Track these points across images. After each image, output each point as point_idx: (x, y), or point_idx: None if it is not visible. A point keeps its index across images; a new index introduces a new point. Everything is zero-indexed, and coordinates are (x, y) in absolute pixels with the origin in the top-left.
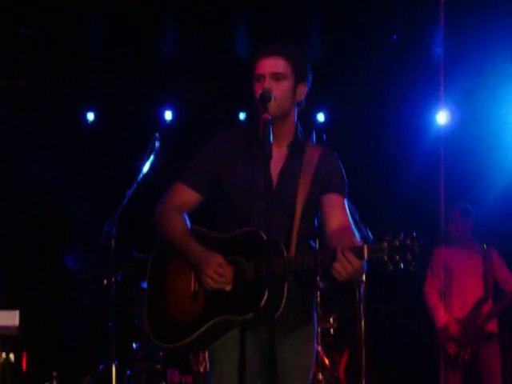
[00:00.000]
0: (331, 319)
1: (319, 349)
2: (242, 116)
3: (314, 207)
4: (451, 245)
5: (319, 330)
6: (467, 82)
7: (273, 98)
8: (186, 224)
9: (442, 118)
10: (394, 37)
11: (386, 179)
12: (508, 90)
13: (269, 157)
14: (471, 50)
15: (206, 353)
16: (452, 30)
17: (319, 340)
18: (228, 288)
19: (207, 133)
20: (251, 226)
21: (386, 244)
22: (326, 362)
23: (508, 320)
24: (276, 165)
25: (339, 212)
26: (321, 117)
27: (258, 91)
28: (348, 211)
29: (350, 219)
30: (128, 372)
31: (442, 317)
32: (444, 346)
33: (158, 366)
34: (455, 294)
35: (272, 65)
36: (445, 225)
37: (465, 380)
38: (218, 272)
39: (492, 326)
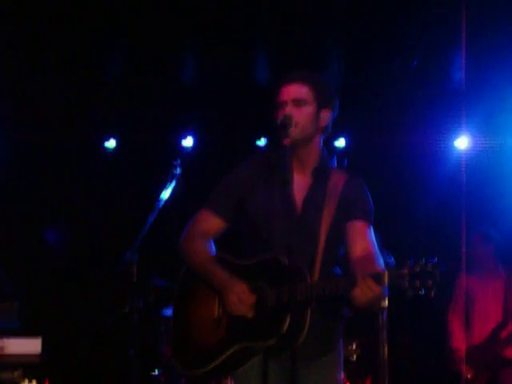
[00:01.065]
0: (353, 345)
1: (342, 376)
2: (261, 142)
3: (338, 234)
4: (473, 271)
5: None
6: (488, 107)
7: (294, 124)
8: (211, 250)
9: (462, 143)
10: (415, 62)
11: (407, 204)
12: None
13: (288, 182)
14: (492, 75)
15: (228, 380)
16: (473, 54)
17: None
18: (250, 314)
19: (227, 159)
20: (274, 252)
21: (406, 270)
22: None
23: None
24: (300, 191)
25: (363, 239)
26: (341, 142)
27: (280, 117)
28: (372, 238)
29: (375, 246)
30: None
31: (457, 340)
32: (461, 371)
33: None
34: (476, 321)
35: (294, 91)
36: (466, 251)
37: None
38: (241, 299)
39: (508, 353)
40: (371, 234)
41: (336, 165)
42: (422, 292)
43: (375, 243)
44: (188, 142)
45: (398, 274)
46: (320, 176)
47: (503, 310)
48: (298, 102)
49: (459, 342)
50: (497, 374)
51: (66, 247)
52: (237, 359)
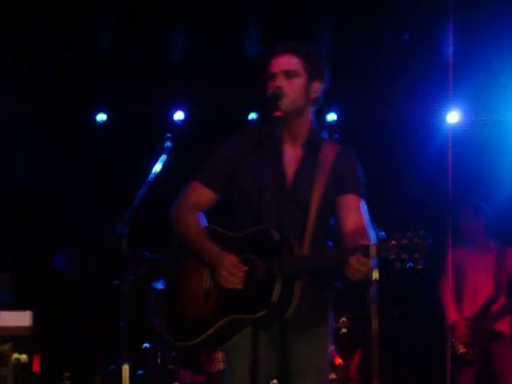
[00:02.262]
0: (343, 319)
1: (331, 349)
2: (252, 116)
3: (330, 207)
4: (464, 243)
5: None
6: (477, 81)
7: (284, 95)
8: (201, 223)
9: (452, 117)
10: (405, 35)
11: (396, 178)
12: None
13: (279, 154)
14: (481, 49)
15: (219, 353)
16: (462, 28)
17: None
18: (240, 287)
19: (218, 133)
20: (264, 224)
21: (393, 242)
22: (339, 361)
23: None
24: (291, 164)
25: (355, 213)
26: (333, 116)
27: (270, 90)
28: (364, 211)
29: (366, 219)
30: (140, 372)
31: (451, 315)
32: (452, 345)
33: (171, 366)
34: (466, 293)
35: (283, 63)
36: (457, 223)
37: (476, 380)
38: (231, 272)
39: (502, 326)
40: (363, 207)
41: (327, 137)
42: (410, 264)
43: (367, 216)
44: (179, 115)
45: (385, 246)
46: (311, 148)
47: (494, 283)
48: (288, 74)
49: (450, 313)
50: (488, 348)
51: (57, 222)
52: (227, 331)
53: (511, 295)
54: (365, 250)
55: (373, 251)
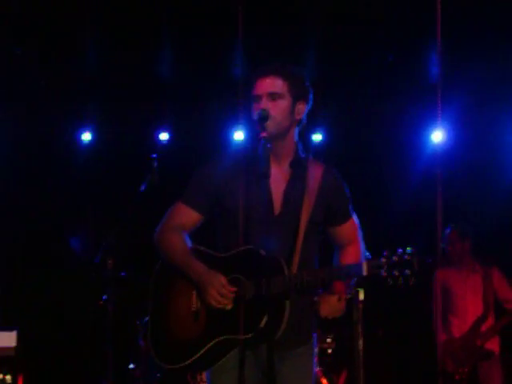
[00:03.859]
0: (329, 339)
1: (317, 369)
2: (238, 136)
3: (317, 227)
4: (450, 266)
5: (317, 349)
6: (464, 101)
7: (270, 117)
8: (187, 243)
9: (437, 137)
10: (391, 56)
11: (382, 197)
12: (504, 110)
13: (267, 175)
14: (468, 70)
15: (204, 373)
16: (449, 49)
17: (317, 360)
18: (230, 307)
19: (204, 153)
20: (251, 245)
21: (384, 260)
22: (324, 382)
23: (509, 340)
24: (278, 185)
25: (352, 240)
26: (318, 137)
27: (256, 111)
28: (357, 231)
29: (360, 239)
30: None
31: (442, 335)
32: (442, 364)
33: None
34: (455, 314)
35: (268, 85)
36: (443, 246)
37: None
38: (221, 292)
39: (492, 345)
40: (356, 226)
41: (312, 157)
42: (401, 281)
43: (359, 233)
44: (164, 136)
45: (376, 264)
46: (298, 168)
47: (482, 303)
48: (273, 96)
49: (439, 332)
50: (477, 367)
51: (42, 242)
52: (216, 352)
53: (498, 313)
54: (357, 268)
55: (364, 268)
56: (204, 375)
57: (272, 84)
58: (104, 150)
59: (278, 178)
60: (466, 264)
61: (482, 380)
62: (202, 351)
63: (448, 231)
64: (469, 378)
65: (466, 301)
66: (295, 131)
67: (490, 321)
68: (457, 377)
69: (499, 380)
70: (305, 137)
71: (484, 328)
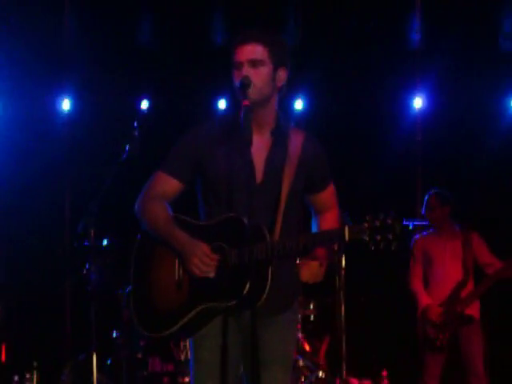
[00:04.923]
0: (311, 306)
1: (300, 335)
2: (220, 104)
3: (299, 195)
4: (430, 231)
5: (299, 316)
6: (443, 67)
7: (252, 85)
8: (169, 212)
9: (418, 103)
10: (371, 23)
11: (365, 165)
12: (485, 75)
13: (249, 143)
14: (446, 36)
15: (187, 341)
16: (427, 16)
17: (299, 327)
18: (212, 275)
19: (185, 121)
20: (233, 213)
21: (366, 225)
22: (307, 348)
23: (489, 305)
24: (260, 153)
25: (331, 206)
26: (299, 104)
27: (238, 79)
28: (335, 197)
29: (337, 204)
30: (109, 361)
31: (423, 301)
32: (424, 330)
33: (139, 355)
34: (435, 280)
35: (249, 52)
36: (422, 211)
37: (446, 364)
38: (203, 261)
39: (472, 311)
40: (334, 192)
41: (293, 125)
42: (383, 246)
43: (336, 200)
44: (145, 104)
45: (358, 228)
46: (279, 136)
47: (462, 268)
48: (254, 63)
49: (421, 298)
50: (458, 332)
51: (23, 209)
52: (200, 320)
53: (478, 279)
54: (339, 233)
55: (346, 233)
56: (187, 342)
57: (252, 51)
58: (84, 119)
59: (260, 146)
60: (446, 229)
61: (462, 345)
62: (185, 319)
63: (427, 197)
64: (449, 344)
65: (446, 266)
66: (276, 99)
67: (470, 286)
68: (437, 343)
69: (479, 345)
70: (286, 105)
71: (464, 293)
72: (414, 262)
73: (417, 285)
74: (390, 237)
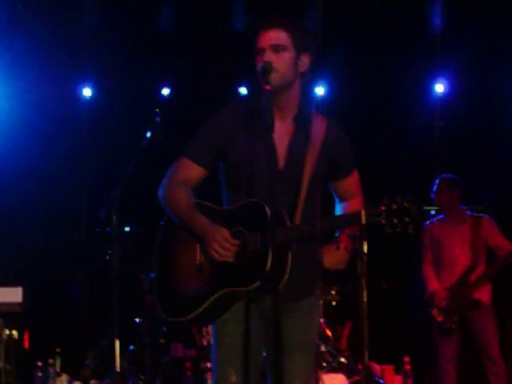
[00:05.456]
0: (333, 291)
1: (322, 321)
2: (242, 90)
3: (321, 181)
4: (439, 217)
5: (321, 302)
6: (466, 52)
7: (274, 70)
8: (191, 198)
9: (439, 88)
10: (393, 8)
11: (384, 150)
12: (507, 60)
13: (270, 128)
14: (470, 21)
15: (209, 327)
16: (451, 1)
17: (321, 312)
18: (232, 260)
19: (206, 108)
20: (255, 198)
21: (383, 208)
22: (329, 333)
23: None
24: (282, 139)
25: (352, 193)
26: (320, 90)
27: (259, 64)
28: (359, 183)
29: (361, 191)
30: (131, 347)
31: (431, 285)
32: (430, 314)
33: (162, 341)
34: (445, 265)
35: (272, 37)
36: (431, 196)
37: (458, 348)
38: (223, 246)
39: (480, 295)
40: (358, 179)
41: (316, 111)
42: (400, 229)
43: (360, 187)
44: (166, 90)
45: (375, 212)
46: (302, 122)
47: (471, 253)
48: (277, 48)
49: (429, 283)
50: (468, 317)
51: (47, 198)
52: (221, 305)
53: (489, 263)
54: (355, 217)
55: (363, 216)
56: (209, 328)
57: (275, 36)
58: (105, 105)
59: (282, 131)
60: (455, 214)
61: (474, 329)
62: (206, 304)
63: (437, 181)
64: (459, 328)
65: (454, 251)
66: (299, 85)
67: (480, 270)
68: (446, 325)
69: (492, 329)
70: (308, 90)
71: (473, 277)
72: (425, 248)
73: (426, 270)
74: (407, 220)
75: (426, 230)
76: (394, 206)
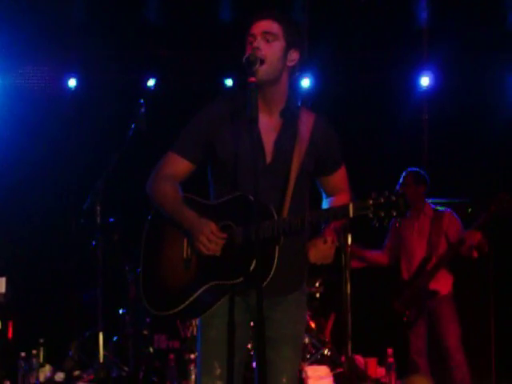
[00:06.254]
0: (317, 283)
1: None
2: (228, 82)
3: (308, 176)
4: None
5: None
6: (451, 45)
7: (262, 58)
8: (178, 192)
9: (425, 81)
10: (379, 1)
11: (371, 143)
12: (492, 53)
13: (255, 121)
14: (455, 14)
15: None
16: None
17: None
18: (219, 253)
19: (192, 100)
20: (241, 191)
21: (371, 201)
22: (313, 325)
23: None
24: (269, 134)
25: (342, 188)
26: (306, 82)
27: (247, 53)
28: (346, 178)
29: (348, 186)
30: (115, 338)
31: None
32: (393, 307)
33: (145, 332)
34: (404, 257)
35: (264, 25)
36: (397, 188)
37: (426, 339)
38: (210, 239)
39: (437, 285)
40: (346, 175)
41: (302, 105)
42: (387, 222)
43: (348, 183)
44: (152, 81)
45: (362, 205)
46: (289, 117)
47: (427, 246)
48: (268, 36)
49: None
50: (429, 308)
51: (30, 189)
52: (207, 299)
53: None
54: (343, 210)
55: (351, 210)
56: (194, 320)
57: (268, 25)
58: (90, 96)
59: (269, 126)
60: (418, 209)
61: (432, 321)
62: (192, 297)
63: (404, 174)
64: (423, 320)
65: (413, 243)
66: (287, 79)
67: (435, 261)
68: (404, 318)
69: (448, 320)
70: (295, 86)
71: (428, 268)
72: (387, 238)
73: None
74: (394, 213)
75: (392, 222)
76: (382, 200)
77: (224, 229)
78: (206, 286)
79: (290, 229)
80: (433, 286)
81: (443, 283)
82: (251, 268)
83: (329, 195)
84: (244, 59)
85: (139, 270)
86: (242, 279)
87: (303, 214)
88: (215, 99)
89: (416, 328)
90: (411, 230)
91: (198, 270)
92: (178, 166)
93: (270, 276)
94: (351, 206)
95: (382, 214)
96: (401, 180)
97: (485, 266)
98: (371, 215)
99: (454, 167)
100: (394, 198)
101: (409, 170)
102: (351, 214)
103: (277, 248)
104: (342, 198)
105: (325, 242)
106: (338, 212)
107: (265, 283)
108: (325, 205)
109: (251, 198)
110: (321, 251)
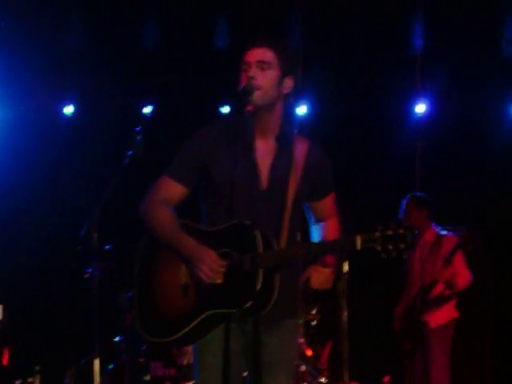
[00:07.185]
0: (314, 311)
1: (302, 341)
2: (224, 110)
3: (302, 201)
4: None
5: (302, 321)
6: (446, 73)
7: (257, 87)
8: (175, 218)
9: (420, 108)
10: (374, 30)
11: (365, 170)
12: (487, 81)
13: (251, 148)
14: (450, 42)
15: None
16: (431, 22)
17: (302, 331)
18: (220, 281)
19: (188, 126)
20: (236, 218)
21: (378, 234)
22: (309, 353)
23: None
24: (265, 159)
25: (333, 214)
26: (302, 109)
27: (243, 82)
28: (335, 204)
29: (336, 212)
30: (111, 365)
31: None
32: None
33: (142, 359)
34: (407, 284)
35: (259, 54)
36: (399, 215)
37: (422, 367)
38: (211, 267)
39: (428, 317)
40: (335, 200)
41: (297, 132)
42: (395, 255)
43: (336, 208)
44: (148, 108)
45: (370, 237)
46: (284, 143)
47: (428, 272)
48: (263, 65)
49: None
50: (418, 337)
51: (29, 215)
52: (205, 327)
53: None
54: (350, 242)
55: (358, 242)
56: (190, 347)
57: (263, 53)
58: (87, 122)
59: (265, 152)
60: (422, 232)
61: (423, 350)
62: (191, 325)
63: (405, 201)
64: (413, 349)
65: (413, 270)
66: (282, 106)
67: (437, 291)
68: (398, 351)
69: (436, 352)
70: (290, 113)
71: (428, 299)
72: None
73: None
74: (402, 246)
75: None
76: (390, 232)
77: (223, 256)
78: (207, 313)
79: (294, 260)
80: (426, 317)
81: (435, 316)
82: (247, 305)
83: (317, 220)
84: (240, 89)
85: (131, 293)
86: (249, 304)
87: (309, 245)
88: (210, 124)
89: (413, 358)
90: (413, 257)
91: (197, 297)
92: (173, 190)
93: (270, 305)
94: (359, 238)
95: (390, 247)
96: (403, 205)
97: (483, 274)
98: (379, 248)
99: (447, 194)
100: (401, 231)
101: (410, 194)
102: (359, 247)
103: (278, 276)
104: (332, 225)
105: (325, 266)
106: (344, 244)
107: (266, 309)
108: (313, 230)
109: (251, 226)
110: (322, 276)
